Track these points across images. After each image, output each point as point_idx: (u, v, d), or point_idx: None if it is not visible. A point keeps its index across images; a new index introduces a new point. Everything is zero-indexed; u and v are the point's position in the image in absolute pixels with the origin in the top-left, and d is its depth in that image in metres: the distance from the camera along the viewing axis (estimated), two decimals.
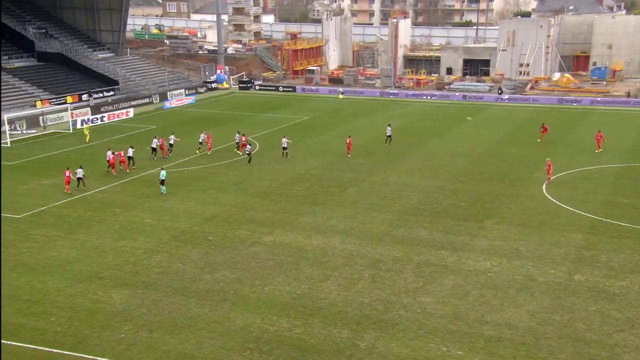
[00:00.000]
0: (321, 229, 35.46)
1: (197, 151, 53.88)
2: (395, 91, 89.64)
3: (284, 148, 52.04)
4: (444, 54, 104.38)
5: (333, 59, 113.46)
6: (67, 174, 42.85)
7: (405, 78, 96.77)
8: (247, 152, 50.88)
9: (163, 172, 42.57)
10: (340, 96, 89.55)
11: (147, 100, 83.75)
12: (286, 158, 51.31)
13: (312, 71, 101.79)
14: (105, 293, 28.12)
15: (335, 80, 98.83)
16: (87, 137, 59.75)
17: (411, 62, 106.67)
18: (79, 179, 44.24)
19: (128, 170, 47.97)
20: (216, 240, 34.20)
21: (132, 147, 49.50)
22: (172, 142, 53.49)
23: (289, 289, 28.15)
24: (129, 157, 48.98)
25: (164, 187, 42.34)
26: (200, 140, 54.44)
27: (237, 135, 55.26)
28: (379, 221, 36.66)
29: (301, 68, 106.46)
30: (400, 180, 45.12)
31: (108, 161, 47.72)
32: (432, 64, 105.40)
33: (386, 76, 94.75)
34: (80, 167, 44.96)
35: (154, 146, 52.34)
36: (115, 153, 48.55)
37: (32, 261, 31.72)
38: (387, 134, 56.76)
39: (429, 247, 32.77)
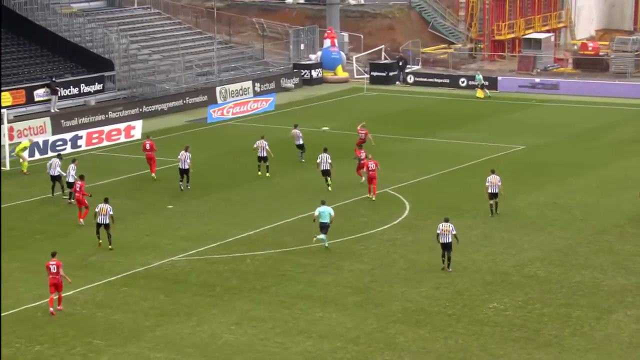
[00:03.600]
0: None
1: (265, 173, 63.50)
2: None
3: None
4: None
5: (586, 17, 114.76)
6: (51, 266, 42.50)
7: None
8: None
9: (323, 210, 49.71)
10: (479, 93, 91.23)
11: (171, 103, 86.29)
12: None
13: (534, 42, 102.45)
14: None
15: (591, 64, 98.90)
16: (25, 164, 63.84)
17: None
18: (103, 226, 50.40)
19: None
20: None
21: (73, 161, 59.79)
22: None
23: None
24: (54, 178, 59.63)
25: (324, 237, 49.98)
26: (263, 155, 64.80)
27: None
28: None
29: (511, 36, 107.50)
30: None
31: (72, 192, 56.87)
32: None
33: None
34: (106, 202, 50.67)
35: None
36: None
37: None
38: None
39: None
